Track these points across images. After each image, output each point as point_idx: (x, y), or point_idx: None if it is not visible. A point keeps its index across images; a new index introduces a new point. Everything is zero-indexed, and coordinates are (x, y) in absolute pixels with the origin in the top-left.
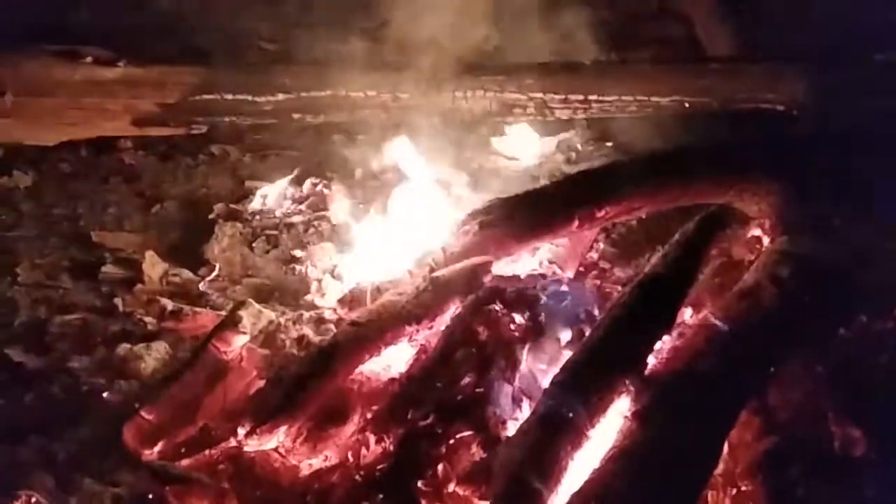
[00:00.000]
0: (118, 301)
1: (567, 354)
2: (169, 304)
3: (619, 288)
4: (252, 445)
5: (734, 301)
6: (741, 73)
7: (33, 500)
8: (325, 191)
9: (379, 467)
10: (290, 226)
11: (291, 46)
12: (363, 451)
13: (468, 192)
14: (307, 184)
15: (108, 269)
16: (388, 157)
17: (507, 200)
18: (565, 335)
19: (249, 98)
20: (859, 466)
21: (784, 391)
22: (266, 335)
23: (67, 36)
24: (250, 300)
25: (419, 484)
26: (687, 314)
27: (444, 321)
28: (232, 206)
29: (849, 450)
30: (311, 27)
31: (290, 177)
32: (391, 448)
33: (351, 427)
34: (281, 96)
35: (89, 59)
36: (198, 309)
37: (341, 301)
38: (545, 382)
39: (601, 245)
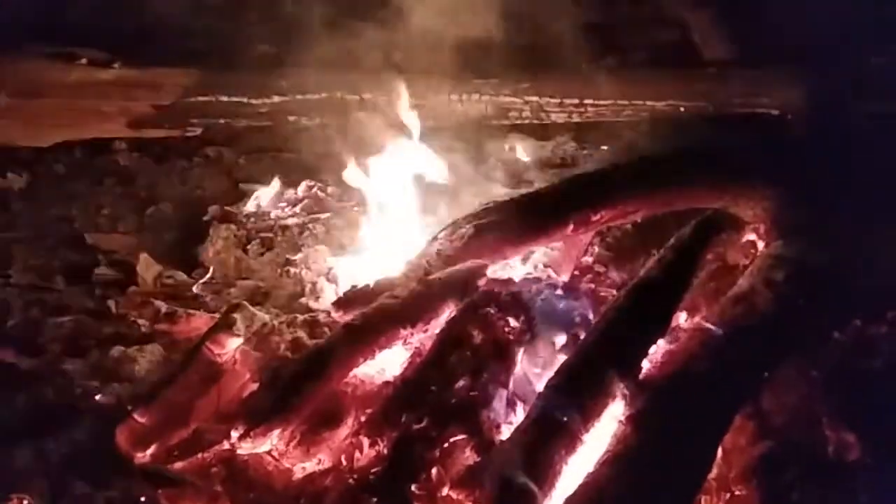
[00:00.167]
0: (112, 303)
1: (562, 358)
2: (163, 307)
3: (614, 292)
4: (245, 448)
5: (729, 305)
6: (736, 78)
7: (25, 503)
8: (320, 193)
9: (373, 471)
10: (285, 228)
11: (287, 49)
12: (357, 454)
13: (463, 196)
14: (302, 186)
15: (102, 270)
16: (383, 160)
17: (503, 204)
18: (560, 339)
19: (245, 100)
20: (854, 471)
21: (778, 395)
22: (260, 338)
23: (63, 37)
24: (244, 302)
25: (413, 487)
26: (682, 318)
27: (438, 324)
28: (226, 208)
29: (843, 454)
30: (306, 30)
31: (285, 179)
32: (385, 451)
33: (345, 430)
34: (276, 98)
35: (84, 60)
36: (192, 311)
37: (336, 304)
38: (540, 386)
39: (596, 249)
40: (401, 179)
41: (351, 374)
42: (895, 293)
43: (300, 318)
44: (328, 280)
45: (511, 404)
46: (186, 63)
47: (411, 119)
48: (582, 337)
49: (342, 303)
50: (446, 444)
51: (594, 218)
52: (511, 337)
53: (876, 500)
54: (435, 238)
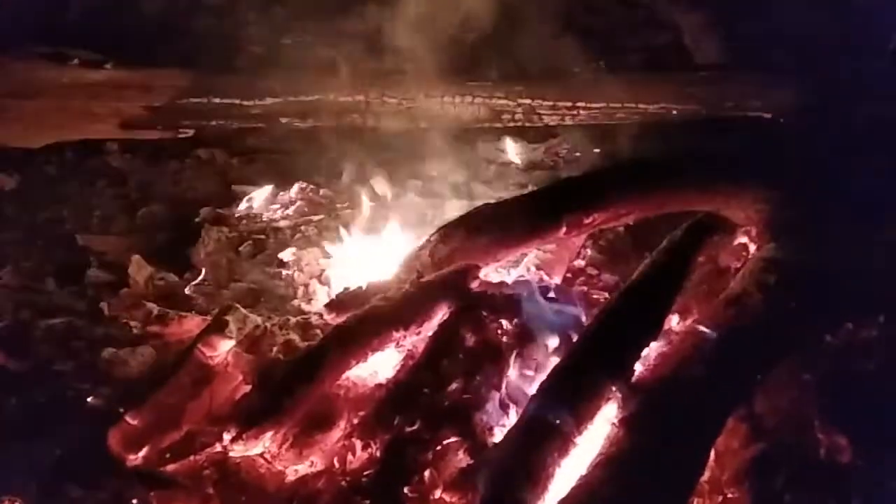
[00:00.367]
0: (103, 305)
1: (554, 361)
2: (154, 309)
3: (607, 294)
4: (237, 451)
5: (721, 308)
6: (729, 81)
7: None
8: (313, 195)
9: (365, 473)
10: (277, 230)
11: (280, 50)
12: (349, 456)
13: (456, 198)
14: (294, 188)
15: (94, 272)
16: (375, 161)
17: (495, 206)
18: (552, 341)
19: (237, 102)
20: (846, 474)
21: (771, 398)
22: (252, 340)
23: (54, 38)
24: (236, 305)
25: (406, 490)
26: (674, 321)
27: (431, 327)
28: (219, 210)
29: (835, 457)
30: (299, 31)
31: (278, 181)
32: (378, 454)
33: (337, 433)
34: (269, 100)
35: (76, 61)
36: (183, 313)
37: (328, 306)
38: (532, 389)
39: (588, 251)
40: (393, 181)
41: (343, 376)
42: (887, 296)
43: (292, 320)
44: (320, 282)
45: (504, 407)
46: (179, 64)
47: (404, 122)
48: (574, 339)
49: (334, 305)
50: (439, 447)
51: (587, 220)
52: (504, 339)
53: (868, 503)
54: (427, 240)
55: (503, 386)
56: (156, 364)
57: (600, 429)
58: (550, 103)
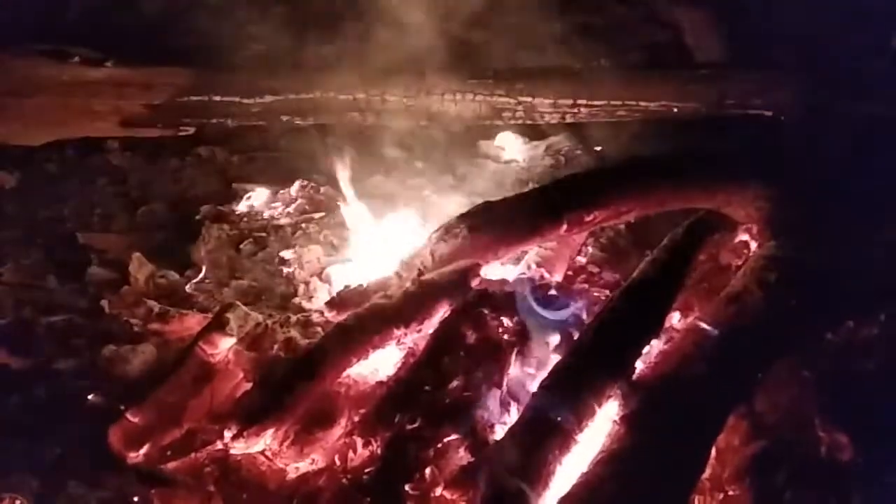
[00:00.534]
0: (104, 303)
1: (555, 358)
2: (155, 306)
3: (608, 292)
4: (239, 448)
5: (722, 306)
6: (729, 79)
7: (18, 502)
8: (313, 193)
9: (366, 471)
10: (278, 228)
11: (280, 48)
12: (350, 454)
13: (457, 195)
14: (295, 186)
15: (94, 270)
16: (375, 159)
17: (496, 204)
18: (553, 339)
19: (237, 100)
20: (846, 471)
21: (771, 396)
22: (253, 338)
23: (55, 36)
24: (237, 302)
25: (407, 487)
26: (675, 319)
27: (432, 324)
28: (219, 207)
29: (836, 454)
30: (299, 29)
31: (278, 179)
32: (379, 451)
33: (338, 430)
34: (269, 98)
35: (77, 59)
36: (184, 311)
37: (329, 304)
38: (533, 386)
39: (589, 249)
40: (394, 179)
41: (344, 374)
42: (887, 294)
43: (293, 317)
44: (321, 280)
45: (505, 404)
46: (179, 62)
47: (404, 119)
48: (575, 337)
49: (335, 303)
50: (440, 445)
51: (588, 218)
52: (505, 337)
53: (868, 500)
54: (428, 238)
55: (504, 383)
56: (157, 362)
57: (601, 426)
58: (551, 101)
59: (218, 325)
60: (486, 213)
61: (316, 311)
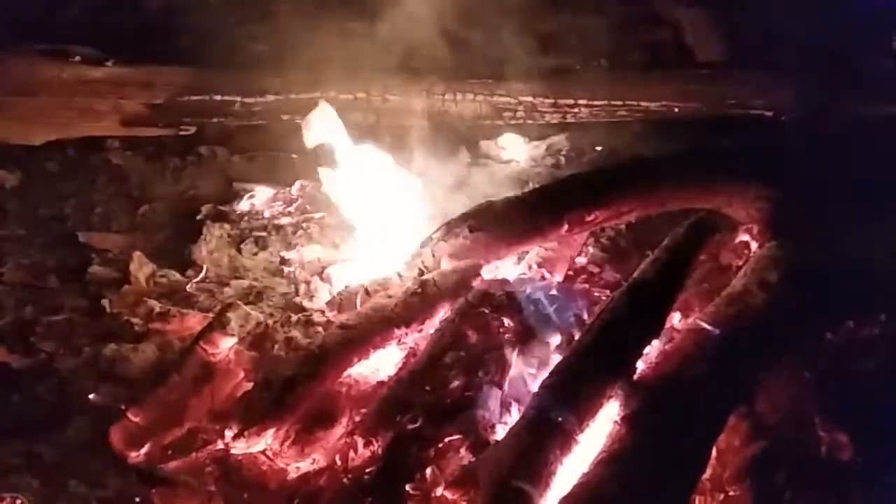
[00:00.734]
0: (105, 302)
1: (556, 359)
2: (156, 306)
3: (608, 292)
4: (240, 448)
5: (723, 306)
6: (730, 79)
7: (18, 502)
8: (314, 193)
9: (367, 470)
10: (279, 227)
11: (281, 48)
12: (351, 454)
13: (458, 195)
14: (296, 185)
15: (95, 269)
16: (376, 159)
17: (497, 204)
18: (554, 339)
19: (238, 99)
20: (846, 471)
21: (772, 396)
22: (254, 337)
23: (55, 35)
24: (238, 302)
25: (407, 487)
26: (676, 319)
27: (433, 324)
28: (220, 207)
29: (836, 455)
30: (301, 29)
31: (279, 178)
32: (379, 451)
33: (339, 430)
34: (270, 98)
35: (77, 58)
36: (185, 310)
37: (330, 303)
38: (534, 387)
39: (590, 249)
40: (395, 179)
41: (345, 373)
42: (888, 294)
43: (294, 317)
44: (322, 280)
45: (506, 404)
46: (180, 62)
47: (405, 119)
48: (576, 337)
49: (336, 303)
50: (441, 444)
51: (588, 218)
52: (506, 337)
53: (868, 500)
54: (429, 238)
55: (505, 383)
56: (158, 361)
57: (602, 426)
58: (552, 101)
59: (219, 324)
60: (487, 213)
61: (317, 310)
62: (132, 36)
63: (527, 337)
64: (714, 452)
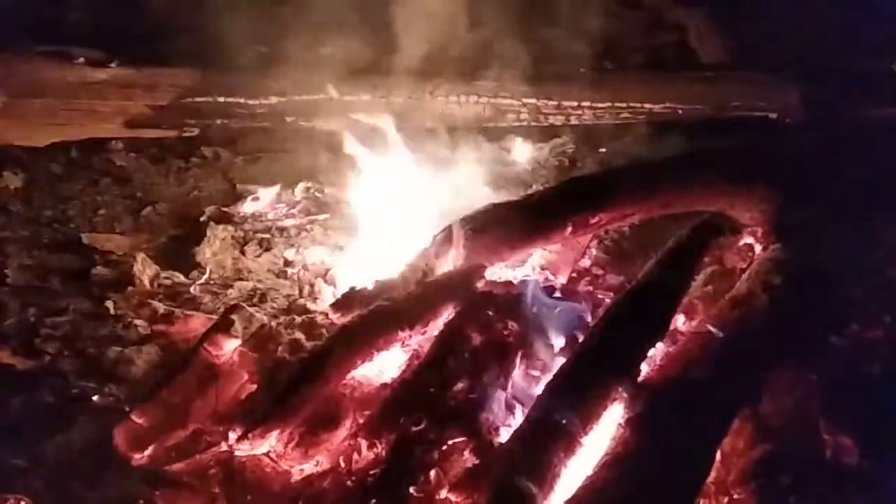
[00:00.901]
0: (109, 304)
1: (560, 361)
2: (160, 307)
3: (612, 295)
4: (243, 450)
5: (727, 309)
6: (734, 82)
7: (22, 503)
8: (318, 195)
9: (371, 473)
10: (283, 229)
11: (285, 50)
12: (355, 456)
13: (461, 197)
14: (299, 187)
15: (99, 271)
16: (380, 161)
17: (501, 206)
18: (558, 342)
19: (242, 101)
20: (851, 474)
21: (776, 399)
22: (258, 339)
23: (59, 36)
24: (242, 304)
25: (411, 490)
26: (680, 321)
27: (437, 327)
28: (224, 209)
29: (841, 458)
30: (304, 30)
31: (283, 180)
32: (383, 453)
33: (343, 432)
34: (274, 99)
35: (81, 59)
36: (189, 312)
37: (334, 305)
38: (538, 389)
39: (594, 251)
40: (398, 181)
41: (349, 375)
42: (892, 297)
43: (298, 319)
44: (326, 282)
45: (510, 407)
46: (183, 63)
47: (410, 121)
48: (580, 340)
49: (340, 304)
50: (445, 447)
51: (592, 221)
52: (509, 339)
53: None
54: (433, 240)
55: (509, 386)
56: (162, 363)
57: (606, 429)
58: (556, 103)
59: (223, 326)
60: (491, 215)
61: (321, 312)
62: (136, 38)
63: (530, 339)
64: (718, 455)
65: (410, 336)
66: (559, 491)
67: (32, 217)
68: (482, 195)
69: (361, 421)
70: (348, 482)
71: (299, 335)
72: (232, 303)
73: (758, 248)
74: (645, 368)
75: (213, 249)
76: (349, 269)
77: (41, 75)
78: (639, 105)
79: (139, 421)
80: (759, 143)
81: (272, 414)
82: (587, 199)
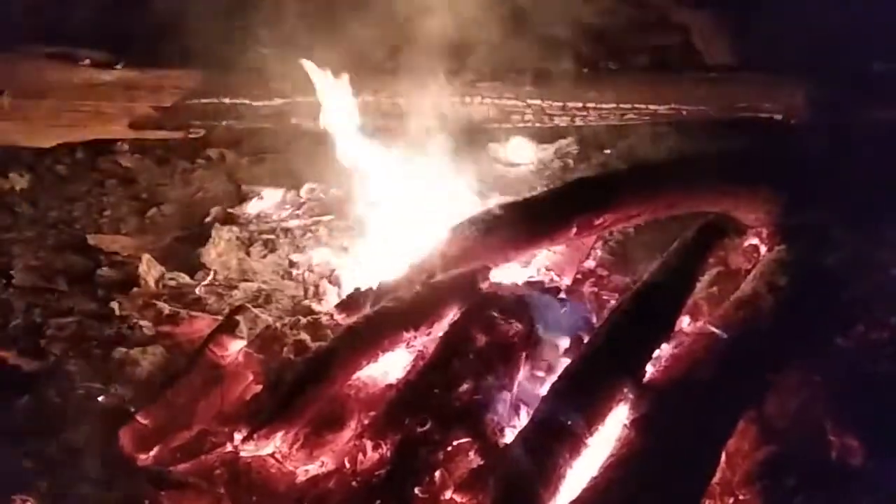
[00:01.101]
0: (114, 305)
1: (565, 362)
2: (165, 308)
3: (617, 296)
4: (248, 451)
5: (732, 310)
6: (739, 82)
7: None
8: (323, 196)
9: (376, 474)
10: (287, 230)
11: (289, 51)
12: (360, 457)
13: (466, 198)
14: (304, 188)
15: (104, 272)
16: (385, 162)
17: (506, 207)
18: (563, 343)
19: (247, 102)
20: (857, 476)
21: (782, 400)
22: (263, 340)
23: (65, 38)
24: (247, 305)
25: (416, 490)
26: (685, 322)
27: (442, 327)
28: (229, 210)
29: (846, 459)
30: (309, 32)
31: (288, 181)
32: (388, 454)
33: (348, 433)
34: (278, 101)
35: (87, 61)
36: (194, 313)
37: (339, 306)
38: (543, 390)
39: (599, 252)
40: (403, 182)
41: (354, 376)
42: None
43: (303, 320)
44: (331, 282)
45: (515, 408)
46: (189, 65)
47: (414, 121)
48: (585, 341)
49: (345, 305)
50: (450, 448)
51: (597, 222)
52: (514, 340)
53: None
54: (438, 241)
55: (514, 387)
56: (167, 364)
57: (612, 430)
58: (560, 104)
59: (228, 327)
60: (496, 216)
61: (325, 313)
62: (141, 39)
63: (535, 340)
64: (723, 456)
65: (415, 337)
66: (564, 492)
67: (38, 218)
68: (487, 196)
69: (366, 422)
70: (353, 483)
71: (304, 336)
72: (237, 304)
73: (763, 249)
74: (650, 369)
75: (219, 250)
76: (354, 269)
77: (47, 77)
78: (643, 106)
79: (144, 421)
80: (764, 145)
81: (277, 415)
82: (592, 201)
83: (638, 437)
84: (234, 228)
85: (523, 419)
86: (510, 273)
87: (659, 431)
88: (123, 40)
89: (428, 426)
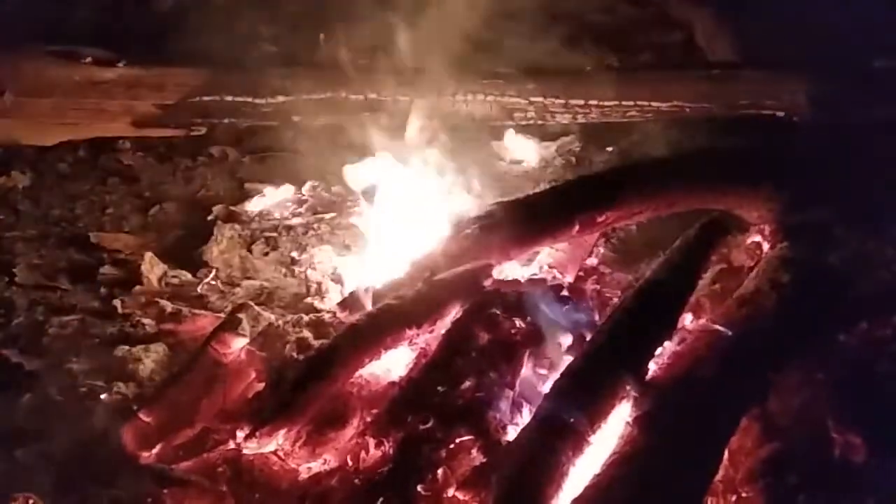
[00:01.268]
0: (117, 303)
1: (567, 360)
2: (168, 306)
3: (619, 293)
4: (251, 448)
5: (735, 307)
6: (741, 80)
7: (31, 502)
8: (325, 193)
9: (378, 471)
10: (290, 228)
11: (291, 48)
12: (363, 454)
13: (468, 196)
14: (307, 186)
15: (107, 270)
16: (388, 161)
17: (508, 204)
18: (565, 340)
19: (249, 100)
20: (860, 473)
21: (785, 397)
22: (265, 338)
23: (67, 36)
24: (249, 302)
25: (419, 488)
26: (688, 320)
27: (444, 325)
28: (231, 207)
29: (849, 457)
30: (311, 29)
31: (290, 179)
32: (391, 452)
33: (350, 431)
34: (281, 98)
35: (88, 59)
36: (197, 311)
37: (341, 304)
38: (546, 388)
39: (601, 250)
40: (405, 180)
41: (357, 374)
42: None
43: (305, 318)
44: (333, 280)
45: (517, 405)
46: (191, 62)
47: (416, 119)
48: (587, 338)
49: (347, 303)
50: (452, 445)
51: (599, 219)
52: (517, 338)
53: (882, 503)
54: (440, 239)
55: (516, 384)
56: (169, 362)
57: (614, 428)
58: (563, 101)
59: (230, 325)
60: (498, 214)
61: (328, 311)
62: (143, 37)
63: (538, 338)
64: (726, 454)
65: (418, 334)
66: (567, 490)
67: (40, 216)
68: (489, 194)
69: (369, 419)
70: (356, 480)
71: (307, 333)
72: (239, 301)
73: (765, 246)
74: (653, 367)
75: (221, 248)
76: (356, 267)
77: (49, 75)
78: (646, 103)
79: (147, 419)
80: (767, 142)
81: (280, 412)
82: (594, 198)
83: (640, 435)
84: (237, 226)
85: (526, 417)
86: (512, 271)
87: (662, 429)
88: (125, 38)
89: (430, 424)
